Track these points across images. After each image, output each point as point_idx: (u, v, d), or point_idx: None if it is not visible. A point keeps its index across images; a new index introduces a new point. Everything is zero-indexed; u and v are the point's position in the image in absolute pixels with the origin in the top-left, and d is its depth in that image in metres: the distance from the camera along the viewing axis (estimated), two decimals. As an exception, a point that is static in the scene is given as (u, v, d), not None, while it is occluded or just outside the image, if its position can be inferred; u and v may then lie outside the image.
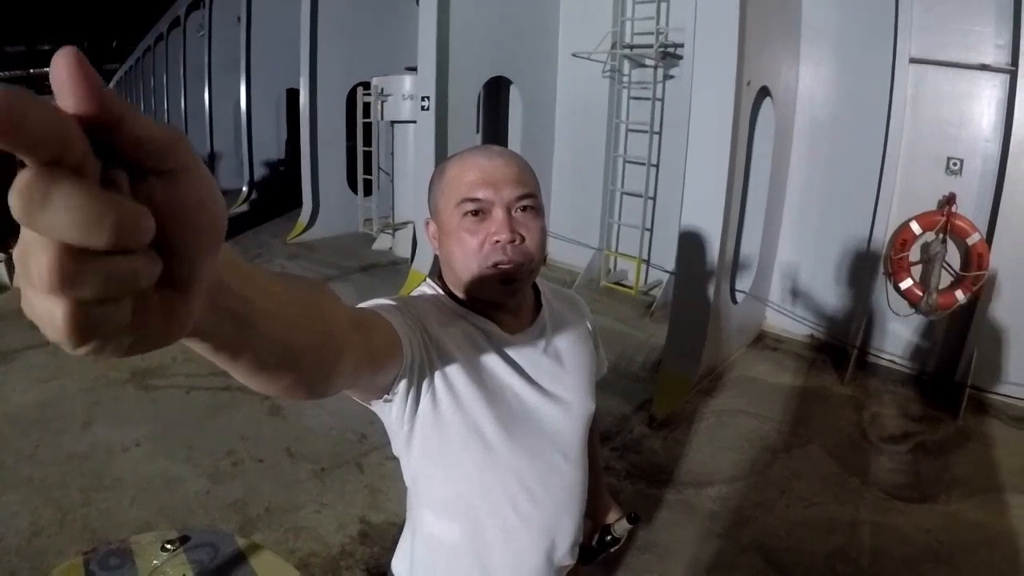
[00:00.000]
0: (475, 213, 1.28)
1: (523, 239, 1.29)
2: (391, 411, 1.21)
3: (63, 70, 0.38)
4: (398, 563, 1.48)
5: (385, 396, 1.17)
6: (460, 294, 1.35)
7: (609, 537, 1.69)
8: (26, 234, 0.37)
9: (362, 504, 3.94)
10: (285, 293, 0.67)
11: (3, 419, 4.81)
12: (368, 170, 10.34)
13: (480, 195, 1.27)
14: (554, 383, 1.41)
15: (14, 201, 0.36)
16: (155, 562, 2.28)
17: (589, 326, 1.61)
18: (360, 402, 1.18)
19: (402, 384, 1.15)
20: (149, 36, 21.02)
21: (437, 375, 1.23)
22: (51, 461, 4.27)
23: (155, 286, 0.43)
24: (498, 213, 1.27)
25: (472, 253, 1.28)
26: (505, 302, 1.35)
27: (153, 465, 4.27)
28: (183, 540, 2.38)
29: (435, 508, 1.36)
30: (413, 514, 1.42)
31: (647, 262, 7.85)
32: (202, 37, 15.22)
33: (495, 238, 1.26)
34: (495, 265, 1.27)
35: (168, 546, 2.34)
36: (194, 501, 3.92)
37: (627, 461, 4.47)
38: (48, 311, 0.38)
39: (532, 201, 1.31)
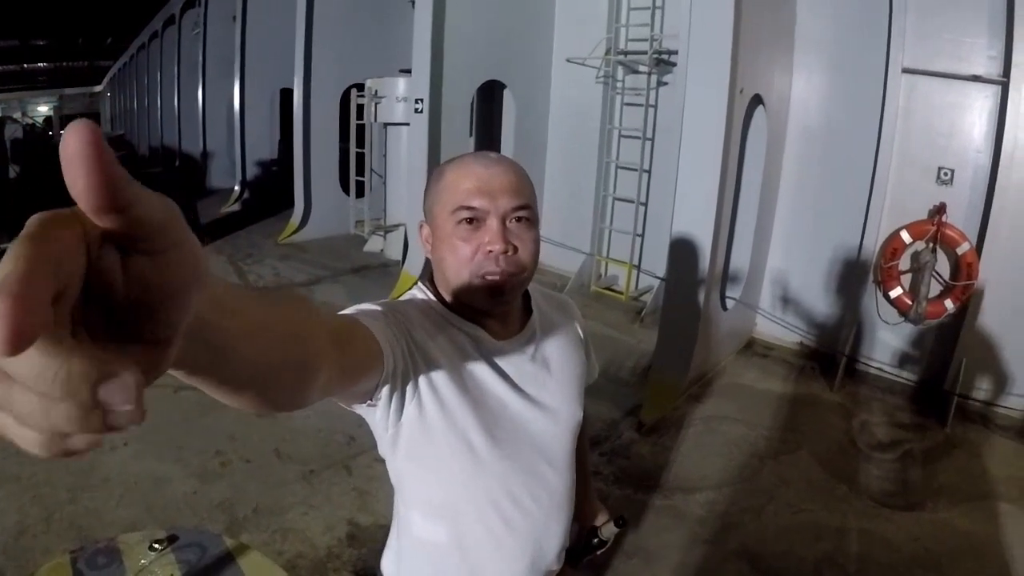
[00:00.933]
0: (470, 221, 1.28)
1: (516, 250, 1.29)
2: (375, 414, 1.21)
3: (76, 149, 0.38)
4: (386, 564, 1.48)
5: (368, 401, 1.17)
6: (450, 299, 1.36)
7: (596, 540, 1.70)
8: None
9: (350, 506, 3.93)
10: (264, 317, 0.68)
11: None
12: (361, 172, 10.33)
13: (476, 204, 1.27)
14: (541, 391, 1.41)
15: None
16: (143, 561, 2.28)
17: (580, 331, 1.61)
18: (344, 406, 1.19)
19: (385, 390, 1.16)
20: (144, 33, 20.99)
21: (422, 381, 1.23)
22: (38, 459, 4.21)
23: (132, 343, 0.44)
24: (492, 223, 1.27)
25: (464, 261, 1.28)
26: (493, 312, 1.36)
27: (141, 464, 4.26)
28: (171, 540, 2.38)
29: (421, 510, 1.36)
30: (400, 516, 1.42)
31: (638, 268, 7.86)
32: (197, 35, 15.22)
33: (488, 248, 1.26)
34: (485, 275, 1.27)
35: (156, 546, 2.33)
36: (182, 501, 3.91)
37: (615, 466, 4.47)
38: (22, 438, 0.39)
39: (527, 212, 1.31)
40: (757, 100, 5.66)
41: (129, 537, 2.45)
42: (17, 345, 0.33)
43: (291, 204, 10.98)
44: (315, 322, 0.85)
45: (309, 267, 9.23)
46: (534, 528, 1.39)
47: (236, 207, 13.04)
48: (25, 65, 34.05)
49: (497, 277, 1.27)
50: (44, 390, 0.36)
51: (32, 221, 0.39)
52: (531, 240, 1.32)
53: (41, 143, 14.15)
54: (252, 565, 2.35)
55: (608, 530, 1.70)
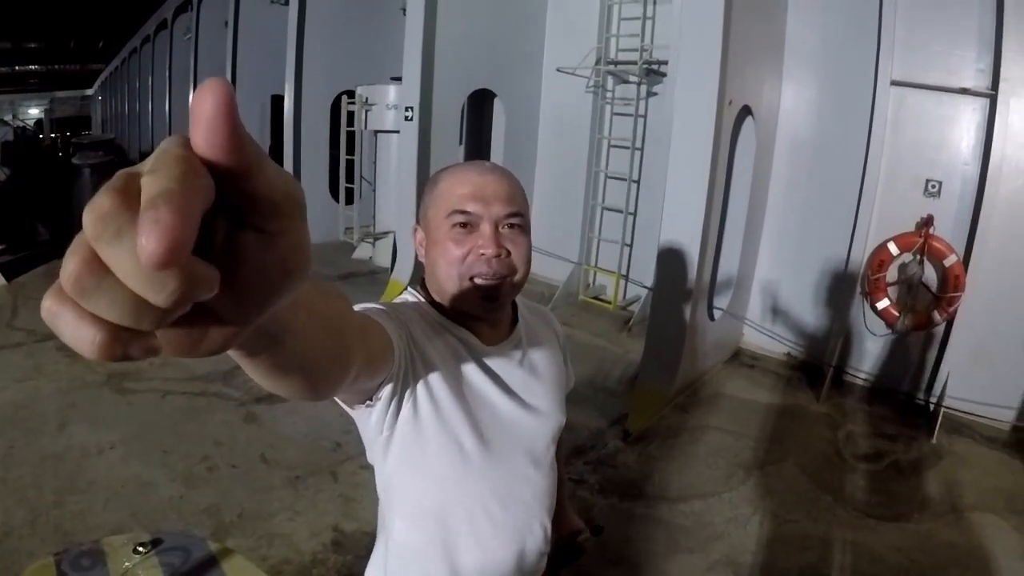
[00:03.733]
0: (463, 225, 1.31)
1: (508, 253, 1.32)
2: (371, 416, 1.22)
3: (210, 106, 0.37)
4: (372, 571, 1.49)
5: (368, 401, 1.18)
6: (442, 303, 1.38)
7: (574, 548, 1.72)
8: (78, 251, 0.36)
9: (335, 512, 3.93)
10: (316, 308, 0.68)
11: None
12: (350, 179, 10.33)
13: (470, 208, 1.31)
14: (530, 394, 1.44)
15: (90, 222, 0.35)
16: (127, 564, 2.27)
17: (559, 341, 1.64)
18: (342, 405, 1.19)
19: (387, 389, 1.17)
20: (136, 38, 20.94)
21: (420, 383, 1.25)
22: (25, 461, 4.24)
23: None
24: (485, 228, 1.31)
25: (455, 262, 1.31)
26: (486, 316, 1.38)
27: (127, 468, 4.25)
28: (155, 543, 2.37)
29: (407, 516, 1.37)
30: (385, 523, 1.42)
31: (626, 277, 7.88)
32: (189, 40, 15.18)
33: (481, 251, 1.29)
34: (475, 277, 1.30)
35: (140, 548, 2.33)
36: (168, 505, 3.90)
37: (600, 475, 4.47)
38: (81, 334, 0.37)
39: (520, 220, 1.34)
40: (746, 111, 5.69)
41: (113, 540, 2.44)
42: (173, 260, 0.34)
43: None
44: (351, 315, 0.88)
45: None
46: (518, 528, 1.41)
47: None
48: (16, 67, 33.92)
49: (489, 280, 1.30)
50: (147, 288, 0.35)
51: (175, 141, 0.39)
52: (523, 245, 1.35)
53: (32, 146, 14.08)
54: (236, 569, 2.35)
55: (584, 538, 1.73)
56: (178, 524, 3.71)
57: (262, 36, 12.25)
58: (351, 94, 9.97)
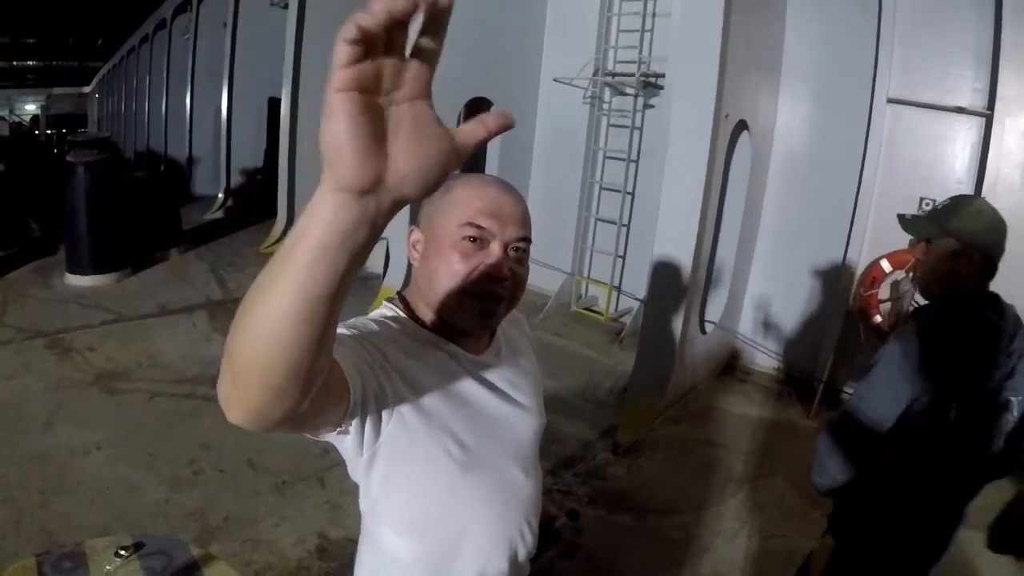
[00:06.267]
0: (473, 240, 1.30)
1: (512, 279, 1.32)
2: (346, 441, 1.19)
3: None
4: None
5: (339, 429, 1.15)
6: (429, 313, 1.36)
7: (553, 533, 1.71)
8: None
9: (322, 519, 3.92)
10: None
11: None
12: (345, 184, 10.26)
13: (485, 224, 1.30)
14: (520, 395, 1.45)
15: None
16: (108, 568, 2.25)
17: (532, 343, 1.66)
18: (311, 437, 1.14)
19: (355, 419, 1.14)
20: (134, 36, 20.90)
21: (404, 403, 1.22)
22: (11, 461, 4.23)
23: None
24: (495, 247, 1.30)
25: (458, 275, 1.29)
26: (475, 332, 1.38)
27: (114, 470, 4.24)
28: (137, 547, 2.36)
29: (397, 528, 1.35)
30: (370, 532, 1.41)
31: (618, 289, 7.87)
32: (187, 40, 15.16)
33: (489, 271, 1.29)
34: (481, 296, 1.30)
35: (122, 552, 2.31)
36: (153, 508, 3.89)
37: (589, 487, 4.47)
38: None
39: (526, 245, 1.35)
40: (742, 126, 5.70)
41: (96, 542, 2.43)
42: None
43: (275, 213, 10.94)
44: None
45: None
46: (508, 530, 1.41)
47: (220, 214, 12.94)
48: (14, 62, 33.95)
49: (490, 301, 1.31)
50: None
51: None
52: (525, 272, 1.37)
53: (27, 142, 14.05)
54: (218, 575, 2.34)
55: (561, 523, 1.72)
56: (164, 527, 3.70)
57: (260, 38, 12.26)
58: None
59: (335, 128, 0.62)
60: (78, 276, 8.03)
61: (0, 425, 4.65)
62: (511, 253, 1.32)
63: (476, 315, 1.31)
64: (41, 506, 3.80)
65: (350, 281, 0.72)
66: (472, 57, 7.40)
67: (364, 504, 1.37)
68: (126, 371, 5.61)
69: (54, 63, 34.01)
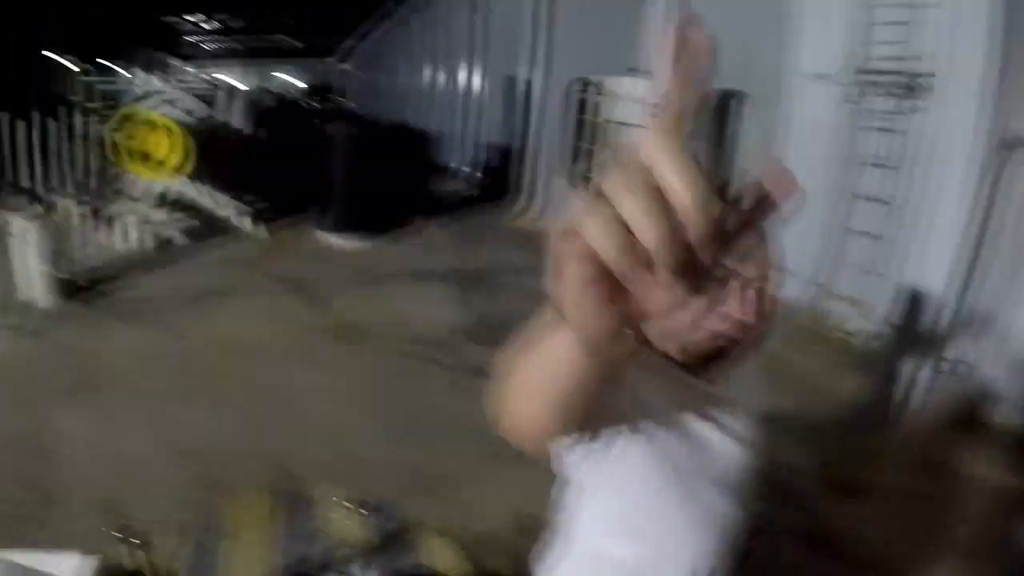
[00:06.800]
0: None
1: None
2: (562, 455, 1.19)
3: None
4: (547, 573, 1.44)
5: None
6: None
7: None
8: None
9: (530, 497, 3.94)
10: None
11: (225, 345, 5.35)
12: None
13: None
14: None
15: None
16: (331, 515, 2.41)
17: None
18: None
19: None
20: (393, 18, 21.92)
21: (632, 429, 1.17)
22: (249, 390, 4.69)
23: None
24: None
25: None
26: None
27: (339, 416, 4.50)
28: (361, 504, 2.47)
29: (608, 526, 1.31)
30: (572, 528, 1.38)
31: (866, 309, 7.34)
32: (444, 26, 15.78)
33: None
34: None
35: (346, 504, 2.44)
36: (372, 456, 4.11)
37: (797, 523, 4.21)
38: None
39: None
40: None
41: (323, 491, 2.60)
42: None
43: (518, 189, 11.20)
44: None
45: (534, 254, 9.28)
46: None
47: (466, 187, 13.52)
48: (276, 35, 36.83)
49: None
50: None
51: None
52: None
53: (291, 113, 15.22)
54: (431, 541, 2.43)
55: None
56: (380, 476, 3.89)
57: (508, 16, 12.56)
58: (584, 82, 9.96)
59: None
60: (334, 236, 8.62)
61: (242, 362, 5.04)
62: None
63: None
64: (270, 439, 4.11)
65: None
66: (723, 44, 7.21)
67: (567, 497, 1.35)
68: (367, 326, 5.89)
69: (313, 38, 36.48)
